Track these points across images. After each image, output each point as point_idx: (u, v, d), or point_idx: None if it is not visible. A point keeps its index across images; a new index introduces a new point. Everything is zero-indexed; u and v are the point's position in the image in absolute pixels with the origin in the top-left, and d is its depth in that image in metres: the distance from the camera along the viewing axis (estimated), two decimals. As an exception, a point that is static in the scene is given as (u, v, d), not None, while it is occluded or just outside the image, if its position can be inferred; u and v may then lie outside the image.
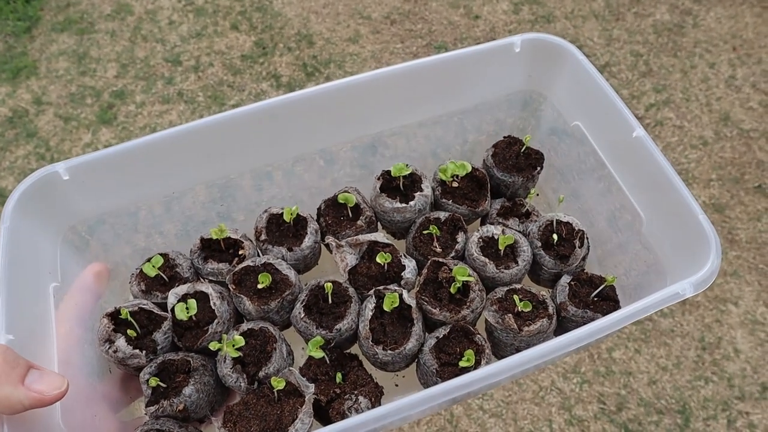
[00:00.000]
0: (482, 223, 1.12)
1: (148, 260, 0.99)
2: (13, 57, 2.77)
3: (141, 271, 1.00)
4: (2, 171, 2.47)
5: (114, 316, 0.93)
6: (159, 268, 0.98)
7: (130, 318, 0.92)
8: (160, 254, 1.00)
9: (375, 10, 3.06)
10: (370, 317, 0.92)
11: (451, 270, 0.96)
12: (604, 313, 0.94)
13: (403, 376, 1.01)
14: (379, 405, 0.90)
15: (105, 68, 2.78)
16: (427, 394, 0.74)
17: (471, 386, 0.75)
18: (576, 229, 1.02)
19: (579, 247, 1.00)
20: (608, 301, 0.97)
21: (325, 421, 0.91)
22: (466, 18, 3.09)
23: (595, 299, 0.97)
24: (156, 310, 0.95)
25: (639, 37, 3.02)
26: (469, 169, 1.06)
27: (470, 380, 0.75)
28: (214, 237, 0.99)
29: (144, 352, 0.92)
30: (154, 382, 0.88)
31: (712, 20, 3.07)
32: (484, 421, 2.05)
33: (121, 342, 0.91)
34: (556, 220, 1.02)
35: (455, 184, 1.07)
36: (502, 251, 1.00)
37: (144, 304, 0.95)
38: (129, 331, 0.92)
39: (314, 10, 3.03)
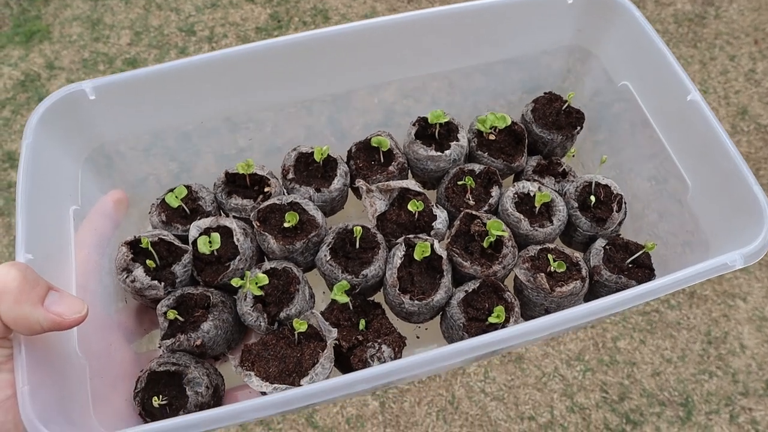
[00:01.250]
0: (516, 180, 1.09)
1: (171, 191, 0.95)
2: (27, 20, 2.69)
3: (163, 201, 0.96)
4: (13, 134, 2.42)
5: (133, 245, 0.90)
6: (182, 200, 0.95)
7: (150, 248, 0.89)
8: (184, 186, 0.96)
9: (391, -14, 2.96)
10: (398, 265, 0.89)
11: (484, 224, 0.92)
12: (639, 281, 0.91)
13: (426, 329, 0.99)
14: (401, 356, 0.88)
15: (118, 35, 2.72)
16: (457, 347, 0.71)
17: (501, 343, 0.72)
18: (614, 192, 0.99)
19: (616, 211, 0.97)
20: (643, 269, 0.94)
21: (346, 368, 0.88)
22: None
23: (630, 266, 0.94)
24: (176, 242, 0.92)
25: (659, 26, 2.92)
26: (509, 122, 1.02)
27: (501, 337, 0.72)
28: (240, 171, 0.96)
29: (162, 284, 0.89)
30: (172, 314, 0.85)
31: (735, 12, 2.98)
32: (485, 404, 2.05)
33: (139, 272, 0.88)
34: (595, 182, 0.99)
35: (492, 137, 1.03)
36: (537, 209, 0.97)
37: (164, 235, 0.92)
38: (148, 262, 0.89)
39: (330, -16, 2.94)
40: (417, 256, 0.88)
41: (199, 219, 0.95)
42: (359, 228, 0.90)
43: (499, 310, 0.85)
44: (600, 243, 0.96)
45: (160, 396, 0.82)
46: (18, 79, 2.56)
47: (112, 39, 2.70)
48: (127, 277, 0.88)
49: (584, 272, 0.91)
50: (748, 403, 2.02)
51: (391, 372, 0.69)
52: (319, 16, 2.84)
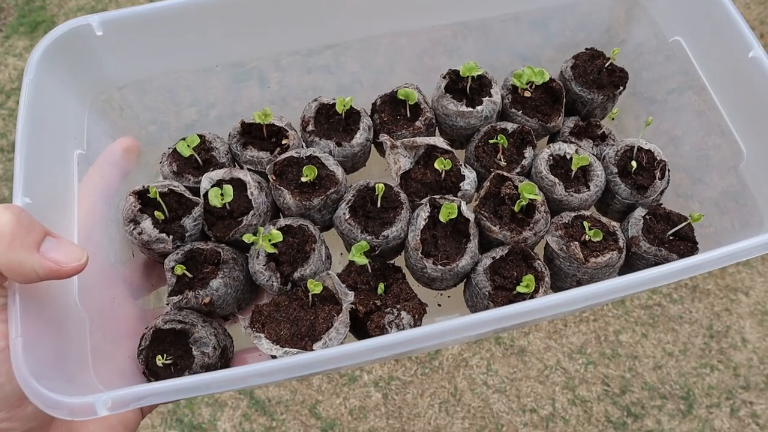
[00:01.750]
0: (550, 141, 1.01)
1: (183, 139, 0.89)
2: (32, 11, 2.62)
3: (174, 150, 0.90)
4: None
5: (142, 195, 0.85)
6: (194, 149, 0.89)
7: (159, 198, 0.83)
8: (197, 135, 0.90)
9: None
10: (422, 227, 0.83)
11: (516, 186, 0.86)
12: (681, 254, 0.85)
13: (449, 296, 0.93)
14: (421, 323, 0.82)
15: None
16: (482, 317, 0.65)
17: (529, 315, 0.66)
18: (658, 158, 0.91)
19: (659, 179, 0.89)
20: (686, 242, 0.87)
21: (362, 334, 0.83)
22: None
23: (671, 238, 0.87)
24: (187, 194, 0.87)
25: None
26: (547, 78, 0.94)
27: (530, 308, 0.66)
28: (257, 121, 0.89)
29: (171, 237, 0.84)
30: (180, 270, 0.80)
31: (741, 5, 2.83)
32: (487, 396, 2.03)
33: (147, 224, 0.83)
34: (637, 146, 0.91)
35: (528, 94, 0.95)
36: (573, 173, 0.90)
37: (175, 186, 0.86)
38: (156, 213, 0.84)
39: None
40: (442, 217, 0.82)
41: (212, 170, 0.89)
42: (381, 186, 0.83)
43: (529, 279, 0.79)
44: (639, 212, 0.89)
45: (165, 355, 0.77)
46: (23, 69, 2.50)
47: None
48: (134, 229, 0.83)
49: (621, 243, 0.85)
50: (749, 396, 2.01)
51: (408, 340, 0.63)
52: None
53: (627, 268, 0.89)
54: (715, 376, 2.05)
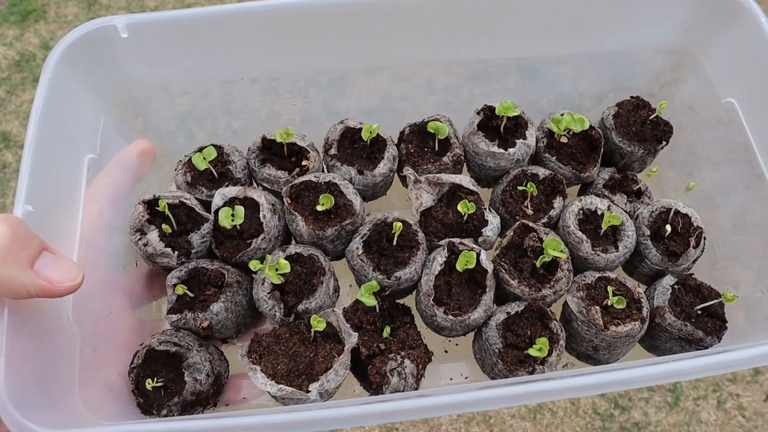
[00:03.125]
0: (582, 192, 0.96)
1: (200, 150, 0.86)
2: (22, 0, 2.59)
3: (189, 160, 0.87)
4: (8, 114, 2.36)
5: (151, 204, 0.82)
6: (210, 162, 0.86)
7: (167, 211, 0.80)
8: (214, 145, 0.87)
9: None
10: (437, 272, 0.79)
11: (540, 239, 0.81)
12: (707, 332, 0.80)
13: (456, 344, 0.89)
14: (424, 373, 0.78)
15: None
16: (478, 396, 0.61)
17: (530, 398, 0.62)
18: (694, 224, 0.86)
19: (693, 247, 0.84)
20: (714, 319, 0.81)
21: (361, 376, 0.80)
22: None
23: (699, 312, 0.82)
24: (198, 208, 0.83)
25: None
26: (587, 127, 0.89)
27: (537, 390, 0.62)
28: (278, 139, 0.86)
29: (176, 252, 0.81)
30: (181, 290, 0.77)
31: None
32: None
33: (153, 235, 0.80)
34: (675, 209, 0.86)
35: (564, 140, 0.90)
36: (603, 230, 0.85)
37: (186, 199, 0.83)
38: (164, 226, 0.81)
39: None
40: (459, 266, 0.78)
41: (227, 186, 0.86)
42: (399, 224, 0.79)
43: (543, 342, 0.75)
44: (668, 280, 0.84)
45: (155, 378, 0.74)
46: (13, 59, 2.48)
47: None
48: (139, 239, 0.80)
49: (645, 312, 0.80)
50: (736, 389, 1.97)
51: (396, 412, 0.59)
52: None
53: (648, 337, 0.84)
54: (702, 368, 2.02)
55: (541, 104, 0.97)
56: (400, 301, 0.86)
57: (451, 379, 0.87)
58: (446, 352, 0.89)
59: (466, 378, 0.87)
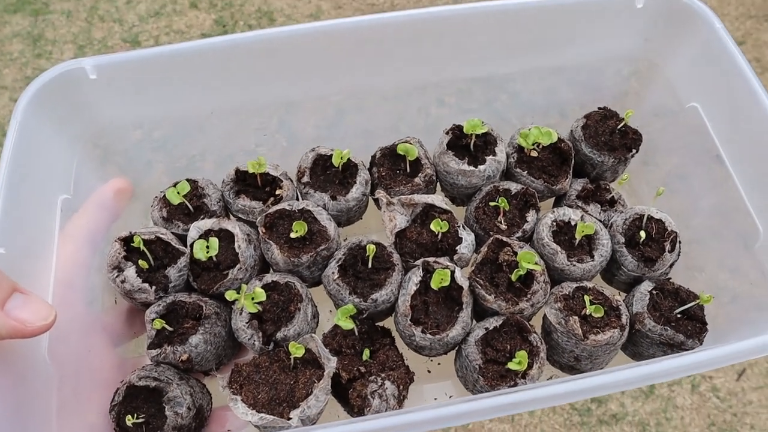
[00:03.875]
0: (557, 204, 0.97)
1: (174, 185, 0.87)
2: None
3: (164, 195, 0.88)
4: None
5: (128, 241, 0.82)
6: (185, 196, 0.87)
7: (143, 247, 0.81)
8: (188, 180, 0.88)
9: (336, -16, 2.83)
10: (413, 292, 0.79)
11: (515, 253, 0.82)
12: (688, 335, 0.79)
13: (439, 363, 0.89)
14: (407, 393, 0.78)
15: (61, 50, 2.60)
16: (456, 410, 0.62)
17: (514, 408, 0.62)
18: (668, 229, 0.86)
19: (669, 252, 0.84)
20: (694, 322, 0.81)
21: (343, 400, 0.79)
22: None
23: (679, 316, 0.82)
24: (174, 243, 0.84)
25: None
26: (555, 139, 0.90)
27: (517, 400, 0.62)
28: (251, 170, 0.87)
29: (154, 287, 0.81)
30: (158, 324, 0.77)
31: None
32: None
33: (130, 272, 0.81)
34: (648, 215, 0.87)
35: (534, 154, 0.91)
36: (577, 241, 0.85)
37: (162, 234, 0.84)
38: (141, 262, 0.81)
39: (275, -15, 2.82)
40: (434, 284, 0.78)
41: (202, 218, 0.87)
42: (372, 247, 0.80)
43: (522, 356, 0.75)
44: (646, 286, 0.84)
45: (136, 414, 0.74)
46: None
47: (55, 54, 2.59)
48: (117, 276, 0.81)
49: (624, 319, 0.80)
50: (708, 372, 1.96)
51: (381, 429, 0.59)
52: (264, 18, 2.72)
53: (630, 344, 0.84)
54: (674, 354, 2.02)
55: (510, 120, 0.98)
56: (380, 324, 0.86)
57: (435, 398, 0.87)
58: (429, 372, 0.89)
59: (450, 397, 0.87)
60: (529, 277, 0.81)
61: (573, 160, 0.93)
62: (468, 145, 0.91)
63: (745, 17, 2.68)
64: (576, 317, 0.78)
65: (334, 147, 0.89)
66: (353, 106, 0.94)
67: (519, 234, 0.87)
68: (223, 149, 0.94)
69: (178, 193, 0.86)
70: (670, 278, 0.87)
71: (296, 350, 0.75)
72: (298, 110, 0.92)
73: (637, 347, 0.83)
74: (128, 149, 0.89)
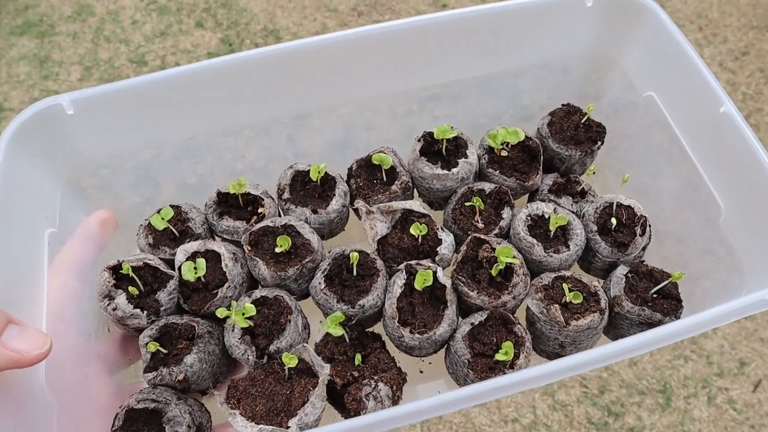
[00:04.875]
0: (530, 199, 1.01)
1: (158, 212, 0.89)
2: None
3: (150, 222, 0.90)
4: None
5: (116, 269, 0.84)
6: (169, 221, 0.89)
7: (132, 274, 0.83)
8: (172, 206, 0.90)
9: (341, 3, 2.86)
10: (398, 295, 0.82)
11: (493, 249, 0.85)
12: (665, 313, 0.83)
13: (430, 363, 0.91)
14: (401, 394, 0.80)
15: (68, 71, 2.63)
16: (449, 397, 0.64)
17: (505, 390, 0.65)
18: (638, 214, 0.90)
19: (640, 235, 0.88)
20: (669, 300, 0.85)
21: (339, 406, 0.81)
22: (434, 7, 2.90)
23: (655, 296, 0.85)
24: (162, 267, 0.86)
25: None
26: (522, 138, 0.94)
27: (506, 383, 0.65)
28: (232, 191, 0.89)
29: (145, 312, 0.83)
30: (153, 347, 0.79)
31: (679, 1, 2.87)
32: (468, 410, 1.99)
33: (121, 299, 0.82)
34: (617, 202, 0.90)
35: (504, 153, 0.95)
36: (552, 232, 0.89)
37: (150, 260, 0.86)
38: (131, 288, 0.83)
39: (280, 4, 2.83)
40: (418, 285, 0.81)
41: (188, 242, 0.89)
42: (356, 254, 0.82)
43: (507, 346, 0.77)
44: (621, 270, 0.87)
45: (137, 437, 0.75)
46: None
47: (62, 75, 2.61)
48: (108, 305, 0.82)
49: (603, 303, 0.83)
50: (724, 383, 1.99)
51: (380, 421, 0.62)
52: (270, 36, 2.76)
53: (611, 327, 0.87)
54: (689, 366, 2.03)
55: (479, 123, 1.02)
56: (370, 329, 0.88)
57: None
58: (421, 372, 0.91)
59: (443, 394, 0.89)
60: (509, 271, 0.84)
61: (542, 157, 0.96)
62: (440, 150, 0.94)
63: (747, 28, 2.77)
64: (557, 305, 0.81)
65: (311, 162, 0.92)
66: (326, 121, 0.97)
67: (496, 231, 0.90)
68: (203, 173, 0.96)
69: (162, 218, 0.88)
70: (644, 261, 0.90)
71: (290, 361, 0.77)
72: (272, 130, 0.95)
73: (618, 330, 0.86)
74: (110, 180, 0.91)
